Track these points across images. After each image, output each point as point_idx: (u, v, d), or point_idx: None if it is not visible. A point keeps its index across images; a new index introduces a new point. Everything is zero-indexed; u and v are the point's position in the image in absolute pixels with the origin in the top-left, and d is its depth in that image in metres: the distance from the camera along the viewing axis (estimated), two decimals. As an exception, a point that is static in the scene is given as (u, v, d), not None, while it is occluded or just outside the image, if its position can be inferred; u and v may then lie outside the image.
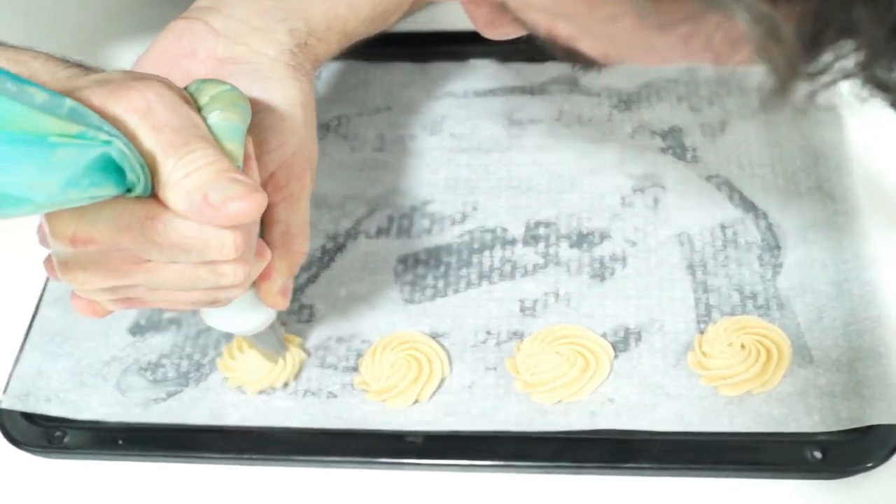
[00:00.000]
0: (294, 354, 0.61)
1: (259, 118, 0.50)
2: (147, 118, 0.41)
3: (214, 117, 0.45)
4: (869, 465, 0.54)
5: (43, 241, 0.47)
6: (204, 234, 0.43)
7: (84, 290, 0.48)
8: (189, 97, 0.45)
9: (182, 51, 0.53)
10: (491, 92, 0.76)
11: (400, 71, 0.78)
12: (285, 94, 0.52)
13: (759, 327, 0.59)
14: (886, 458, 0.54)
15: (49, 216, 0.43)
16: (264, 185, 0.50)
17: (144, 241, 0.43)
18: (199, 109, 0.45)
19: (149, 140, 0.41)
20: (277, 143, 0.51)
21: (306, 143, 0.53)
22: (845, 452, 0.55)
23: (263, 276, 0.51)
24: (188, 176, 0.41)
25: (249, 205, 0.41)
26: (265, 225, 0.52)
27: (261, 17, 0.54)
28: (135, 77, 0.43)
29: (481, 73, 0.77)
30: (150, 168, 0.41)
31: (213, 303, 0.50)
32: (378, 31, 0.62)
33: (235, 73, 0.52)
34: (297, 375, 0.61)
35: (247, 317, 0.54)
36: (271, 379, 0.60)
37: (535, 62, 0.76)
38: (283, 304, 0.53)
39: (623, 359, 0.60)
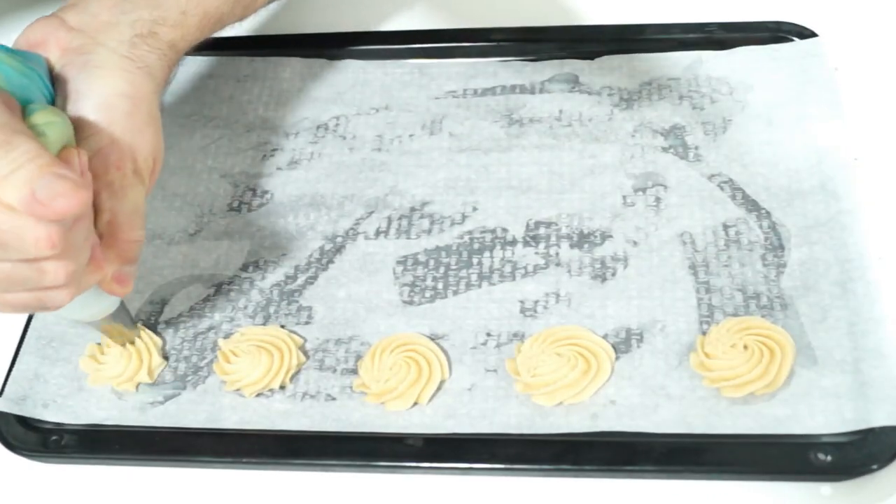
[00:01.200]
0: (292, 352, 0.61)
1: (75, 107, 0.52)
2: None
3: (36, 118, 0.47)
4: (874, 466, 0.53)
5: None
6: (19, 228, 0.44)
7: None
8: (12, 101, 0.47)
9: (35, 42, 0.55)
10: (490, 91, 0.75)
11: (398, 70, 0.78)
12: (111, 84, 0.53)
13: (763, 328, 0.58)
14: (891, 459, 0.53)
15: None
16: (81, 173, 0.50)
17: None
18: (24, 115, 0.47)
19: None
20: (91, 131, 0.52)
21: (129, 134, 0.53)
22: (850, 454, 0.54)
23: (93, 267, 0.51)
24: (14, 172, 0.43)
25: (74, 201, 0.43)
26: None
27: (109, 11, 0.56)
28: None
29: (481, 71, 0.77)
30: None
31: (42, 306, 0.50)
32: (253, 12, 0.64)
33: (68, 64, 0.54)
34: (294, 378, 0.61)
35: (87, 303, 0.55)
36: (269, 381, 0.60)
37: (536, 61, 0.76)
38: (121, 291, 0.54)
39: (625, 360, 0.59)
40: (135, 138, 0.53)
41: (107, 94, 0.53)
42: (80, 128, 0.51)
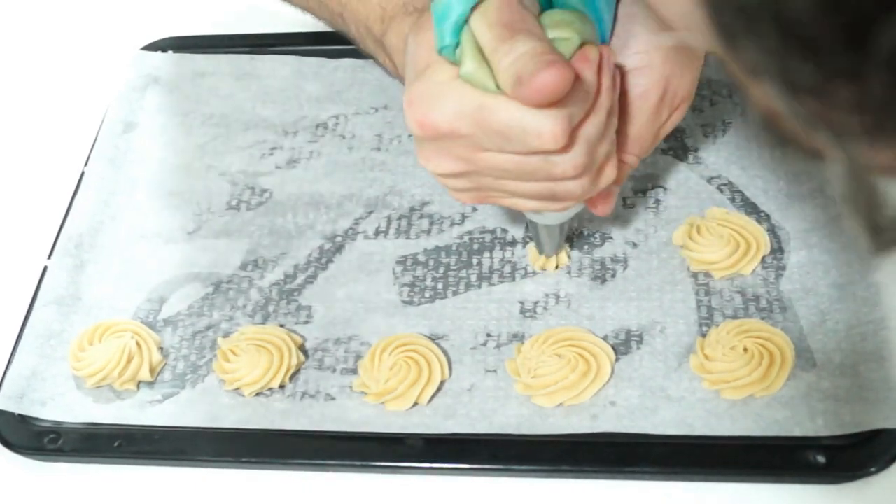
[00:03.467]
0: (292, 351, 0.61)
1: (628, 26, 0.54)
2: (484, 16, 0.46)
3: (548, 17, 0.49)
4: (872, 469, 0.54)
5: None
6: (521, 121, 0.46)
7: (439, 178, 0.53)
8: (533, 5, 0.49)
9: None
10: (490, 91, 0.75)
11: (398, 70, 0.78)
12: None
13: (762, 330, 0.58)
14: (890, 462, 0.54)
15: (406, 103, 0.49)
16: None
17: (476, 128, 0.48)
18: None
19: (484, 36, 0.46)
20: (635, 49, 0.54)
21: (669, 64, 0.55)
22: (848, 457, 0.54)
23: (603, 170, 0.53)
24: (512, 63, 0.45)
25: (553, 76, 0.44)
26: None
27: None
28: None
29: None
30: (489, 59, 0.46)
31: (552, 197, 0.52)
32: None
33: None
34: (293, 377, 0.61)
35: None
36: (268, 381, 0.60)
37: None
38: (602, 209, 0.58)
39: (624, 361, 0.59)
40: (672, 71, 0.55)
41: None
42: (625, 44, 0.54)
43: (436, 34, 0.47)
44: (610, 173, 0.53)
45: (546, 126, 0.46)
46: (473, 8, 0.46)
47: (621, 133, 0.54)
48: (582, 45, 0.48)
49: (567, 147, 0.48)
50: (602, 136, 0.50)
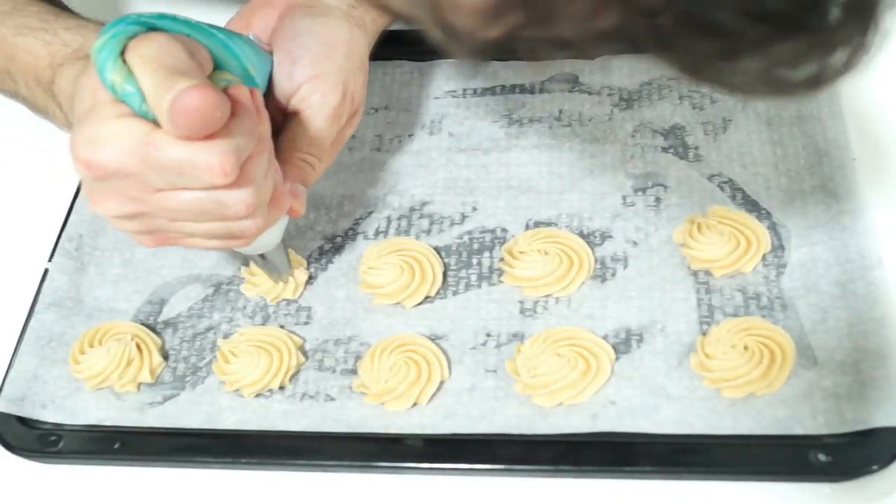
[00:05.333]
0: (292, 352, 0.61)
1: (297, 42, 0.58)
2: (146, 61, 0.47)
3: (218, 75, 0.51)
4: (874, 467, 0.53)
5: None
6: (191, 155, 0.47)
7: (113, 220, 0.53)
8: (205, 54, 0.51)
9: (262, 2, 0.61)
10: (490, 91, 0.75)
11: (398, 70, 0.77)
12: (334, 28, 0.59)
13: (763, 328, 0.58)
14: (891, 460, 0.53)
15: (71, 146, 0.48)
16: (292, 95, 0.58)
17: (144, 165, 0.47)
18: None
19: (147, 79, 0.47)
20: (309, 60, 0.58)
21: (342, 72, 0.58)
22: (850, 455, 0.54)
23: (276, 202, 0.54)
24: (171, 99, 0.46)
25: (195, 96, 0.45)
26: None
27: None
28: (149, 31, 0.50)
29: (480, 71, 0.76)
30: (150, 101, 0.47)
31: (231, 236, 0.53)
32: None
33: (295, 10, 0.60)
34: (293, 378, 0.61)
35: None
36: (268, 382, 0.60)
37: (535, 60, 0.76)
38: (298, 207, 0.57)
39: (624, 360, 0.59)
40: (347, 77, 0.58)
41: (329, 35, 0.59)
42: (298, 58, 0.58)
43: (99, 74, 0.48)
44: (284, 202, 0.55)
45: (215, 159, 0.47)
46: (125, 47, 0.47)
47: (303, 137, 0.57)
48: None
49: (236, 184, 0.48)
50: (266, 174, 0.51)
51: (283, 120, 0.58)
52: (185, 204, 0.49)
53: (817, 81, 0.35)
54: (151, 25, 0.49)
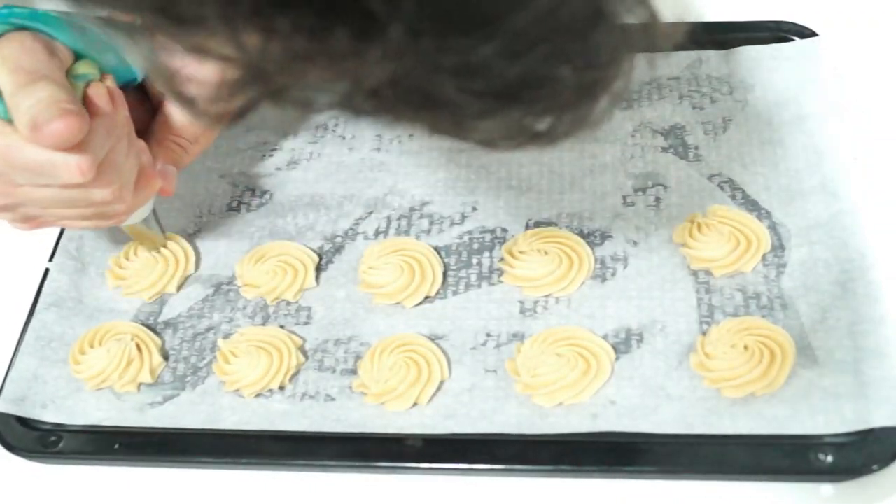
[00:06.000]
0: (292, 352, 0.61)
1: None
2: (3, 62, 0.49)
3: (77, 67, 0.53)
4: (874, 467, 0.53)
5: None
6: (49, 158, 0.49)
7: None
8: (62, 50, 0.52)
9: None
10: (490, 91, 0.75)
11: (398, 70, 0.77)
12: None
13: (763, 328, 0.58)
14: (892, 460, 0.53)
15: None
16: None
17: (6, 165, 0.50)
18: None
19: (4, 79, 0.49)
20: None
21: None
22: (850, 454, 0.54)
23: (145, 181, 0.57)
24: (30, 107, 0.48)
25: (66, 125, 0.48)
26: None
27: None
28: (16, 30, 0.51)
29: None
30: (8, 103, 0.49)
31: (102, 217, 0.56)
32: None
33: None
34: (293, 378, 0.61)
35: None
36: (268, 382, 0.60)
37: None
38: (167, 187, 0.60)
39: (624, 360, 0.59)
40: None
41: None
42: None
43: None
44: (154, 183, 0.58)
45: (72, 160, 0.50)
46: None
47: (174, 121, 0.60)
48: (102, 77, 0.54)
49: (97, 177, 0.51)
50: (126, 156, 0.54)
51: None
52: (51, 197, 0.53)
53: (554, 136, 0.36)
54: (21, 26, 0.51)
